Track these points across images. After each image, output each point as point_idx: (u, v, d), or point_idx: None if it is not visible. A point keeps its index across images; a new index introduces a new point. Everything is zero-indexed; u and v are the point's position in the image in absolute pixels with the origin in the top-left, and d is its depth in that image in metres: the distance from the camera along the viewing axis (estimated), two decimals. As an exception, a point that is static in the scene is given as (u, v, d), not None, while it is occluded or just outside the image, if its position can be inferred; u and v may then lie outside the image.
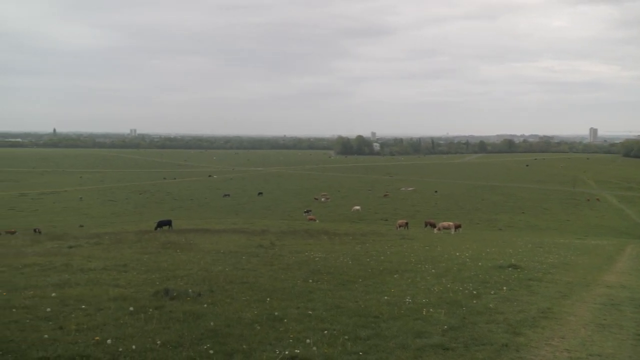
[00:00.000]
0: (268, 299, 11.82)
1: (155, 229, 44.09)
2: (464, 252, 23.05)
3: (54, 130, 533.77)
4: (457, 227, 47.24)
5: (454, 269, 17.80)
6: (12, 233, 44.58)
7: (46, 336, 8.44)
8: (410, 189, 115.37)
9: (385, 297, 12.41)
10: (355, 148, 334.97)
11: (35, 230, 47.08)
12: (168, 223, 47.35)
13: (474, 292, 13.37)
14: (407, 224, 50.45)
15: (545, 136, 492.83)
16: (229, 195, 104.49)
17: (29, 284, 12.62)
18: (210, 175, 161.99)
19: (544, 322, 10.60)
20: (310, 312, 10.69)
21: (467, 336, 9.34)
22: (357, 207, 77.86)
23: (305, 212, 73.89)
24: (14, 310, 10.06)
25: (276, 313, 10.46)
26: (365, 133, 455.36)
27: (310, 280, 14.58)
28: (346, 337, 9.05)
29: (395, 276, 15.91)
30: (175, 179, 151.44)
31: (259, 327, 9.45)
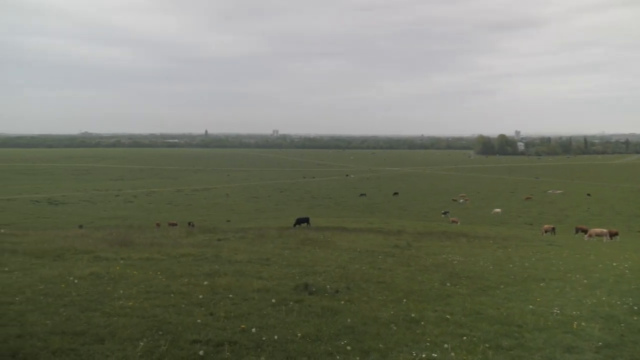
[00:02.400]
0: (404, 300, 11.71)
1: (294, 225, 45.95)
2: (623, 263, 20.82)
3: (206, 131, 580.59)
4: (613, 234, 42.85)
5: (610, 280, 16.15)
6: (174, 225, 49.33)
7: (199, 321, 9.17)
8: (558, 191, 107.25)
9: (530, 306, 11.65)
10: (497, 148, 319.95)
11: (189, 224, 51.58)
12: (306, 220, 49.12)
13: (635, 307, 12.00)
14: (554, 229, 46.98)
15: None
16: (365, 194, 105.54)
17: (184, 272, 13.80)
18: (347, 175, 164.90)
19: None
20: (448, 317, 10.40)
21: (627, 356, 8.44)
22: (498, 210, 74.30)
23: (443, 213, 72.27)
24: (172, 295, 11.08)
25: (413, 315, 10.33)
26: (509, 132, 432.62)
27: (448, 284, 14.18)
28: (487, 345, 8.65)
29: (541, 284, 14.88)
30: (314, 177, 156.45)
31: (395, 328, 9.40)
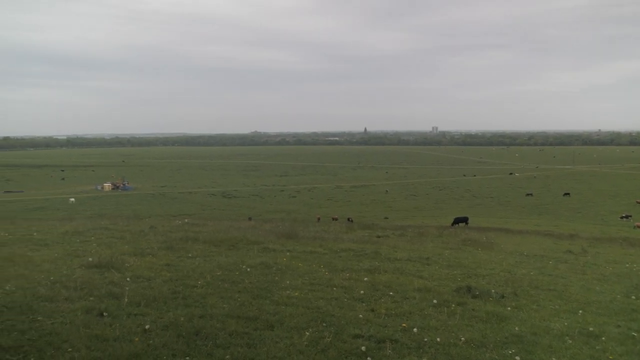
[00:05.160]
0: (580, 311, 10.71)
1: (452, 225, 44.70)
2: None
3: (365, 129, 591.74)
4: None
5: None
6: (335, 219, 51.10)
7: (360, 316, 9.30)
8: None
9: None
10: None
11: (348, 219, 52.88)
12: (464, 220, 47.58)
13: None
14: None
15: None
16: (531, 194, 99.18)
17: (345, 267, 14.12)
18: (511, 173, 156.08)
19: None
20: (634, 334, 9.27)
21: None
22: (695, 215, 64.57)
23: (622, 217, 64.97)
24: (334, 288, 11.39)
25: (591, 328, 9.39)
26: None
27: (633, 297, 12.64)
28: (686, 371, 7.54)
29: None
30: (475, 176, 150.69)
31: (570, 341, 8.63)
